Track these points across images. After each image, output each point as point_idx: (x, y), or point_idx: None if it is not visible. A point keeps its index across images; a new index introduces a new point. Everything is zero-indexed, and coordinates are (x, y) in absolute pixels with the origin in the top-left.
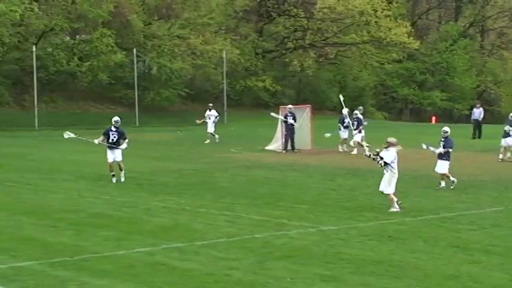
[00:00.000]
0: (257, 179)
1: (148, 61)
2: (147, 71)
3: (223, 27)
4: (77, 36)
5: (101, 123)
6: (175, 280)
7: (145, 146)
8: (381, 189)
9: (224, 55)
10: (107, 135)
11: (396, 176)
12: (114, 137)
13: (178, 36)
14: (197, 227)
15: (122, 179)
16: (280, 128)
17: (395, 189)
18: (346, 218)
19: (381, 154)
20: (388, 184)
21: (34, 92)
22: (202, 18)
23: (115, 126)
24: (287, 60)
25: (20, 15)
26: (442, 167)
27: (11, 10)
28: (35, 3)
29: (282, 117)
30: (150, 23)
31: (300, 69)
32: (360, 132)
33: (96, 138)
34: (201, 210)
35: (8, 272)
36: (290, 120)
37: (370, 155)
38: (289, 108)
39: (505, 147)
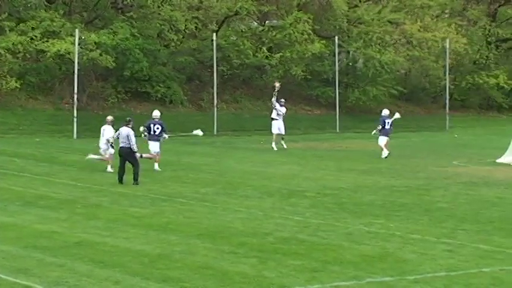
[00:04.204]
0: (486, 200)
1: (353, 52)
2: (351, 64)
3: (446, 11)
4: (266, 22)
5: (294, 128)
6: None
7: (348, 157)
8: None
9: (447, 45)
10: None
11: None
12: (157, 128)
13: (390, 22)
14: (409, 257)
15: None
16: None
17: None
18: None
19: None
20: None
21: (213, 90)
22: None
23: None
24: None
25: None
26: None
27: None
28: None
29: None
30: (356, 6)
31: None
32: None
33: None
34: (414, 237)
35: None
36: None
37: None
38: None
39: None
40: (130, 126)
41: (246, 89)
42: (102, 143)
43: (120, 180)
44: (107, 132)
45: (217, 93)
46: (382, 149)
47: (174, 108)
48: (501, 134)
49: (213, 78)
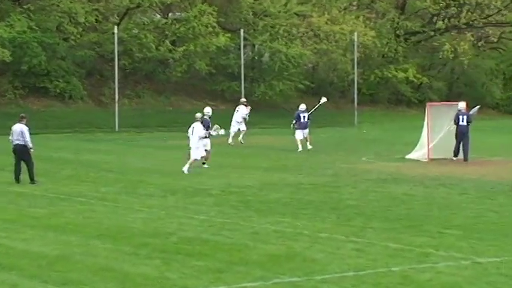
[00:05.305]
0: (395, 197)
1: (259, 45)
2: (256, 58)
3: (354, 3)
4: (170, 14)
5: None
6: None
7: (254, 153)
8: None
9: (355, 38)
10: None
11: None
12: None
13: (297, 14)
14: (317, 257)
15: None
16: (426, 131)
17: None
18: (511, 247)
19: None
20: None
21: (115, 85)
22: None
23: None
24: (436, 44)
25: None
26: None
27: None
28: None
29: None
30: None
31: (452, 55)
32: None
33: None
34: (322, 236)
35: None
36: None
37: None
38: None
39: None
40: (23, 122)
41: (149, 84)
42: (192, 142)
43: (17, 179)
44: (197, 129)
45: (118, 88)
46: (298, 144)
47: (73, 104)
48: (410, 129)
49: (114, 73)
